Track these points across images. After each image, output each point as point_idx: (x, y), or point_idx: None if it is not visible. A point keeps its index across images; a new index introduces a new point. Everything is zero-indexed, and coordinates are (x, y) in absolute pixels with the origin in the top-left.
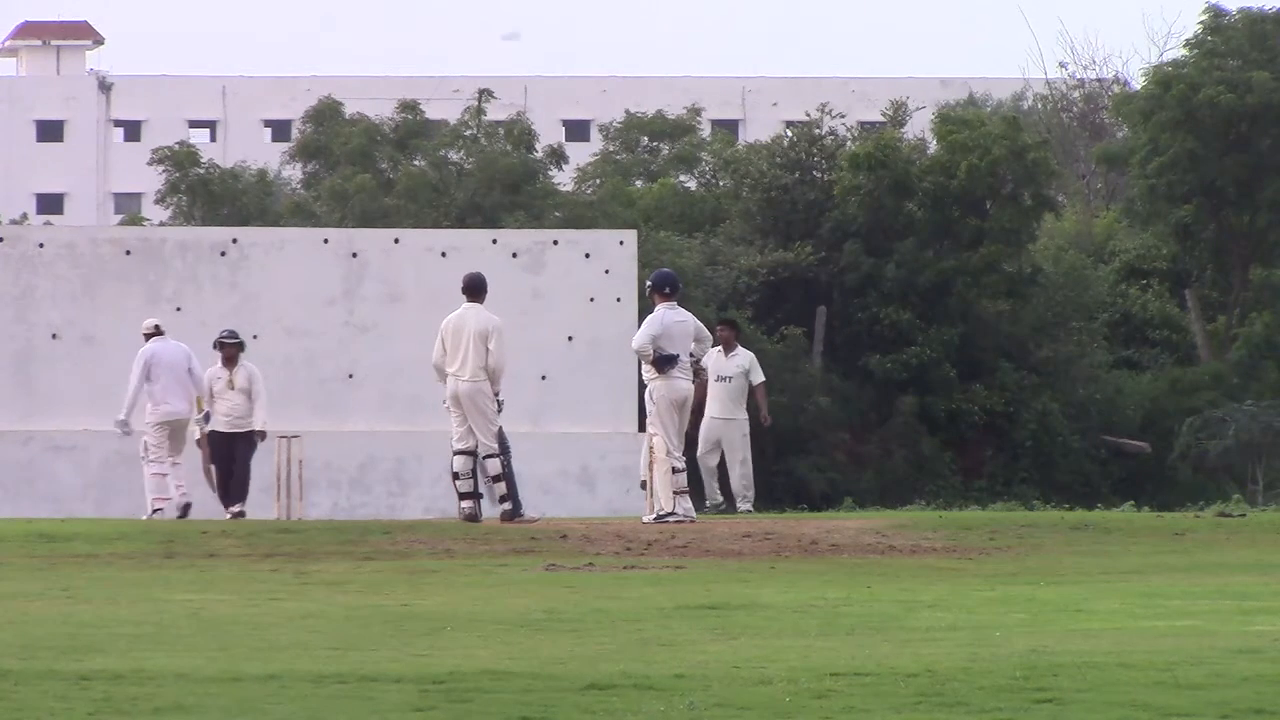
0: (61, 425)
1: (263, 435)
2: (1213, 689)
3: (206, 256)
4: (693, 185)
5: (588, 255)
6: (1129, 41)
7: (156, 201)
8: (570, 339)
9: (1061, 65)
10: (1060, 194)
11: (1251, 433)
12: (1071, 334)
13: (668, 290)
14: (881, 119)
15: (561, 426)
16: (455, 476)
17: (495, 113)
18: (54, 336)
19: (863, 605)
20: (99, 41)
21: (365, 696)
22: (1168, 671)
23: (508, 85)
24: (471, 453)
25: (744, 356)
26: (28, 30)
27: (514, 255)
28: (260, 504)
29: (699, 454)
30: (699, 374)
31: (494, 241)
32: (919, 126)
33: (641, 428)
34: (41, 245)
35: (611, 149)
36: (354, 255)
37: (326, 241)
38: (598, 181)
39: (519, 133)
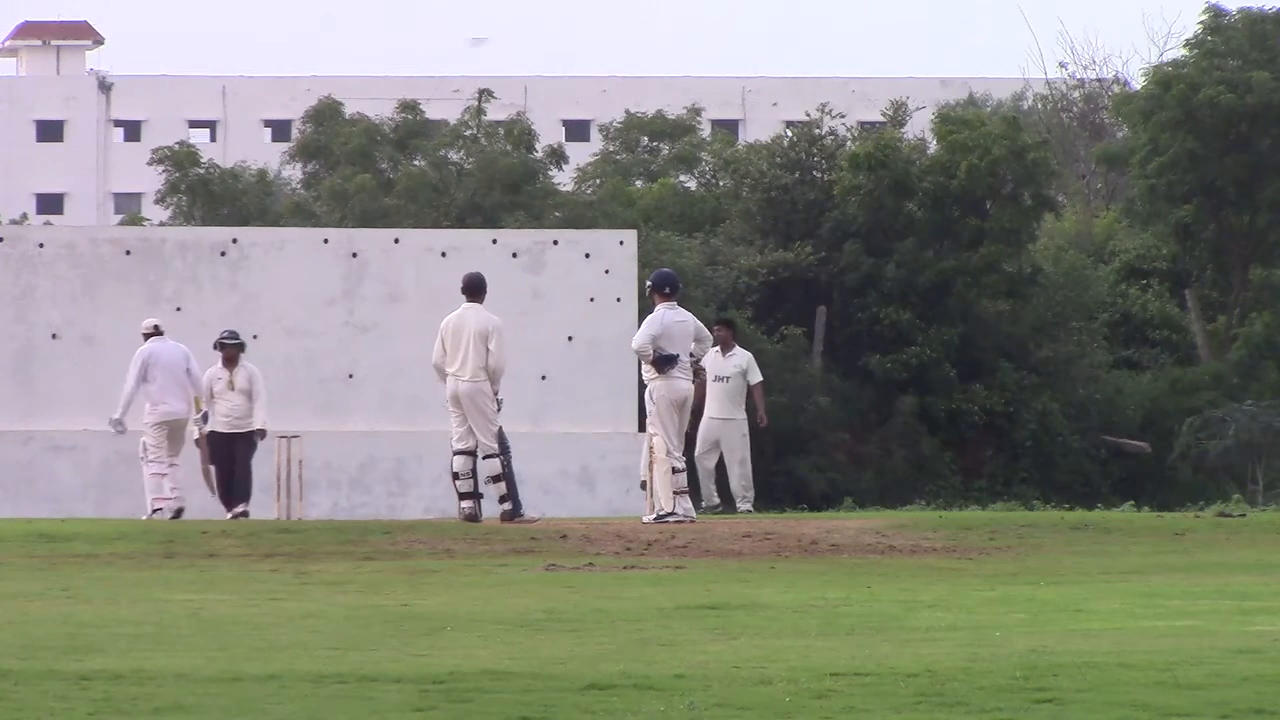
0: (61, 425)
1: (262, 434)
2: (1213, 689)
3: (206, 256)
4: (693, 185)
5: (588, 255)
6: (1129, 41)
7: (156, 201)
8: (570, 339)
9: (1061, 65)
10: (1060, 194)
11: (1251, 433)
12: (1071, 334)
13: (668, 290)
14: (881, 119)
15: (561, 426)
16: (455, 476)
17: (495, 113)
18: (54, 336)
19: (863, 605)
20: (99, 41)
21: (365, 696)
22: (1168, 671)
23: (508, 85)
24: (471, 453)
25: (741, 356)
26: (28, 30)
27: (514, 255)
28: (260, 504)
29: (696, 454)
30: (699, 374)
31: (494, 241)
32: (919, 126)
33: (641, 428)
34: (41, 245)
35: (611, 149)
36: (354, 255)
37: (326, 241)
38: (598, 181)
39: (519, 133)
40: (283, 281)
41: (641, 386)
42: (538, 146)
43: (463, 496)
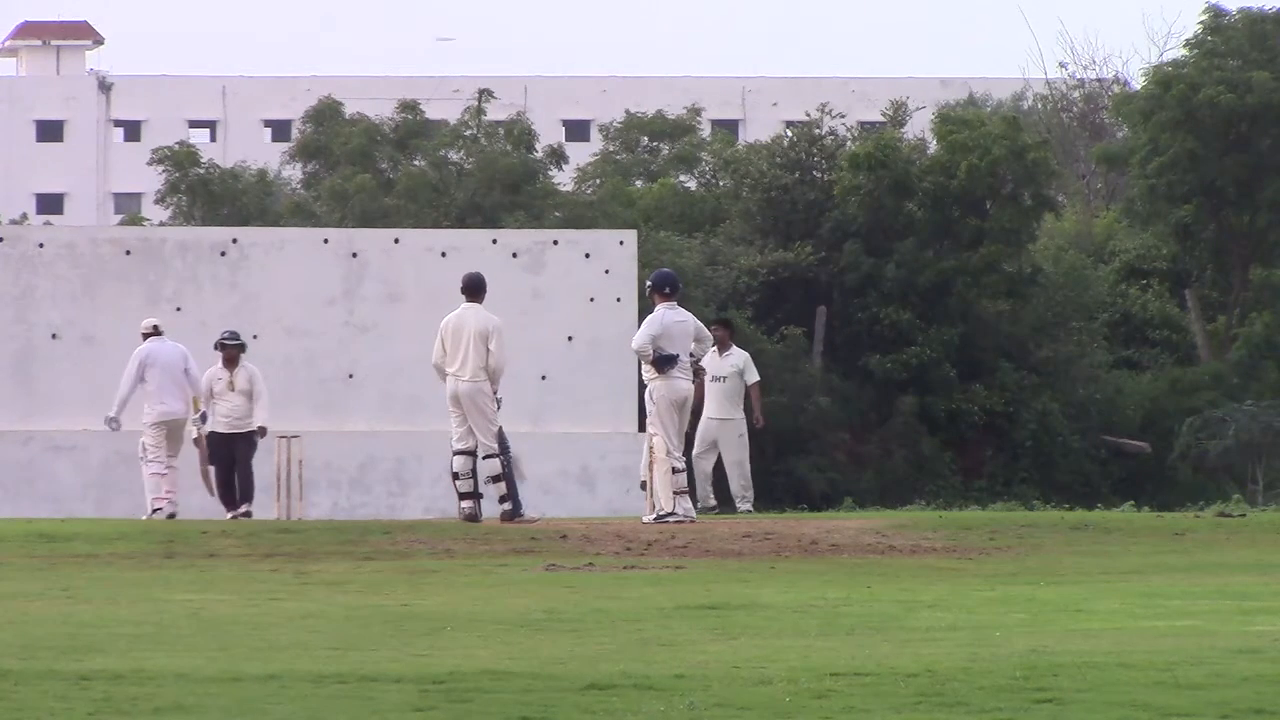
0: (61, 425)
1: (263, 432)
2: (1213, 689)
3: (206, 256)
4: (693, 185)
5: (588, 255)
6: (1129, 41)
7: (156, 201)
8: (570, 339)
9: (1061, 65)
10: (1060, 194)
11: (1251, 433)
12: (1071, 334)
13: (668, 290)
14: (881, 119)
15: (561, 426)
16: (455, 476)
17: (495, 113)
18: (54, 336)
19: (863, 605)
20: (99, 41)
21: (365, 696)
22: (1168, 671)
23: (508, 85)
24: (471, 453)
25: (738, 356)
26: (28, 30)
27: (514, 255)
28: (260, 504)
29: (694, 454)
30: (699, 374)
31: (494, 241)
32: (919, 126)
33: (641, 428)
34: (41, 245)
35: (611, 149)
36: (354, 255)
37: (326, 241)
38: (598, 181)
39: (519, 133)
40: (283, 281)
41: (641, 386)
42: (538, 146)
43: (463, 496)
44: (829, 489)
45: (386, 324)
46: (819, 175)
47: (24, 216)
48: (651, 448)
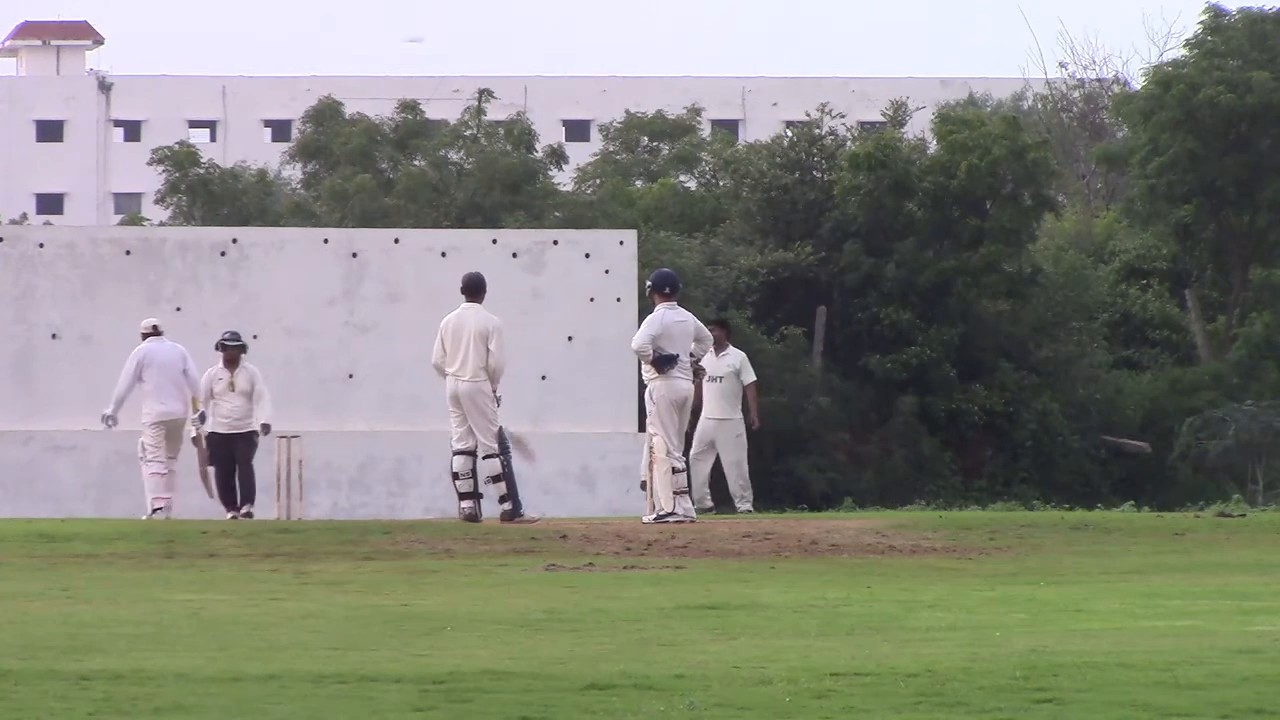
0: (61, 425)
1: (267, 429)
2: (1213, 689)
3: (206, 256)
4: (693, 185)
5: (588, 255)
6: (1129, 41)
7: (156, 201)
8: (570, 339)
9: (1061, 65)
10: (1060, 194)
11: (1251, 433)
12: (1071, 334)
13: (668, 290)
14: (881, 119)
15: (561, 426)
16: (455, 476)
17: (495, 113)
18: (54, 336)
19: (863, 605)
20: (99, 41)
21: (365, 696)
22: (1168, 671)
23: (508, 85)
24: (471, 453)
25: (735, 356)
26: (28, 30)
27: (514, 255)
28: (260, 504)
29: (691, 455)
30: (699, 374)
31: (494, 241)
32: (919, 126)
33: (641, 428)
34: (41, 245)
35: (611, 149)
36: (354, 255)
37: (326, 241)
38: (598, 181)
39: (519, 133)
40: (283, 281)
41: (641, 386)
42: (538, 146)
43: (463, 496)
44: (829, 489)
45: (386, 324)
46: (819, 175)
47: (24, 216)
48: (651, 448)
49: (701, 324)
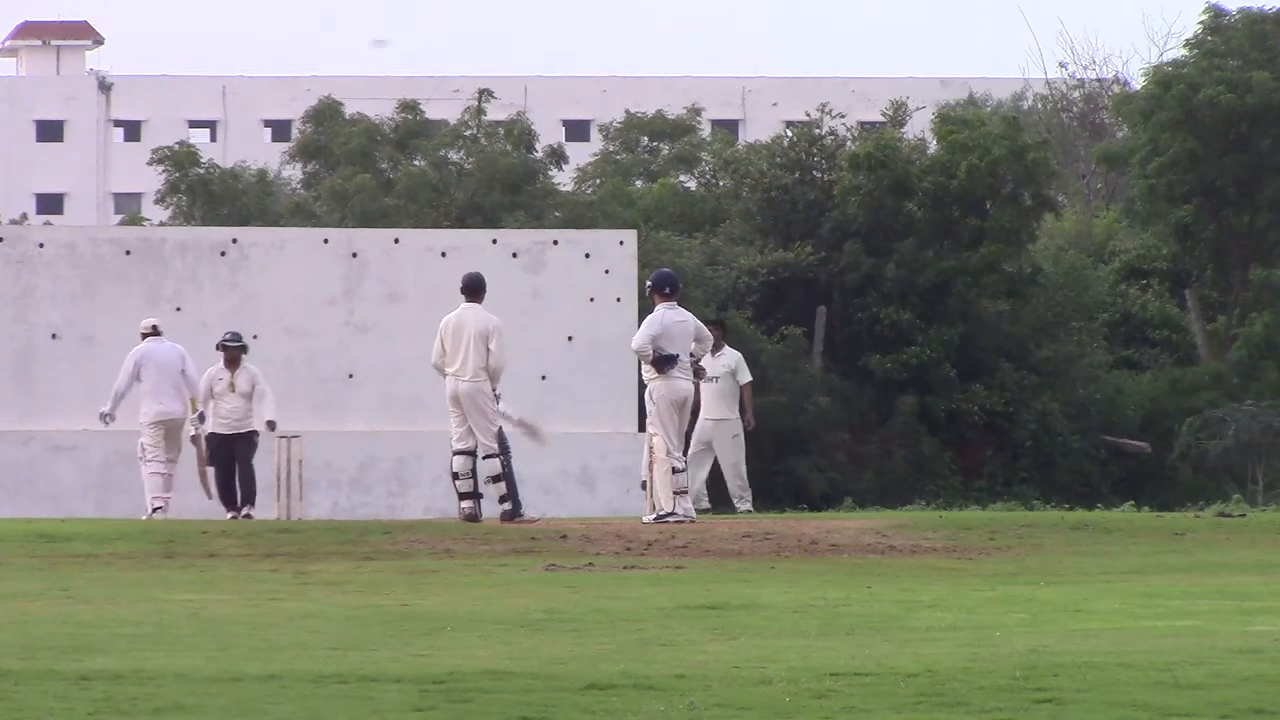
0: (61, 425)
1: (273, 425)
2: (1213, 689)
3: (206, 256)
4: (693, 185)
5: (588, 255)
6: (1129, 41)
7: (156, 201)
8: (570, 339)
9: (1061, 65)
10: (1060, 194)
11: (1251, 433)
12: (1071, 334)
13: (668, 290)
14: (881, 119)
15: (561, 426)
16: (455, 476)
17: (495, 113)
18: (54, 336)
19: (863, 605)
20: (99, 41)
21: (365, 696)
22: (1168, 671)
23: (508, 85)
24: (471, 453)
25: (730, 356)
26: (28, 30)
27: (514, 255)
28: (260, 504)
29: (689, 455)
30: (699, 374)
31: (494, 241)
32: (919, 126)
33: (641, 428)
34: (41, 245)
35: (611, 149)
36: (354, 255)
37: (326, 241)
38: (598, 181)
39: (519, 133)
40: (283, 281)
41: (641, 386)
42: (538, 146)
43: (463, 496)
44: (829, 489)
45: (386, 324)
46: (819, 175)
47: (24, 216)
48: (651, 448)
49: (702, 324)
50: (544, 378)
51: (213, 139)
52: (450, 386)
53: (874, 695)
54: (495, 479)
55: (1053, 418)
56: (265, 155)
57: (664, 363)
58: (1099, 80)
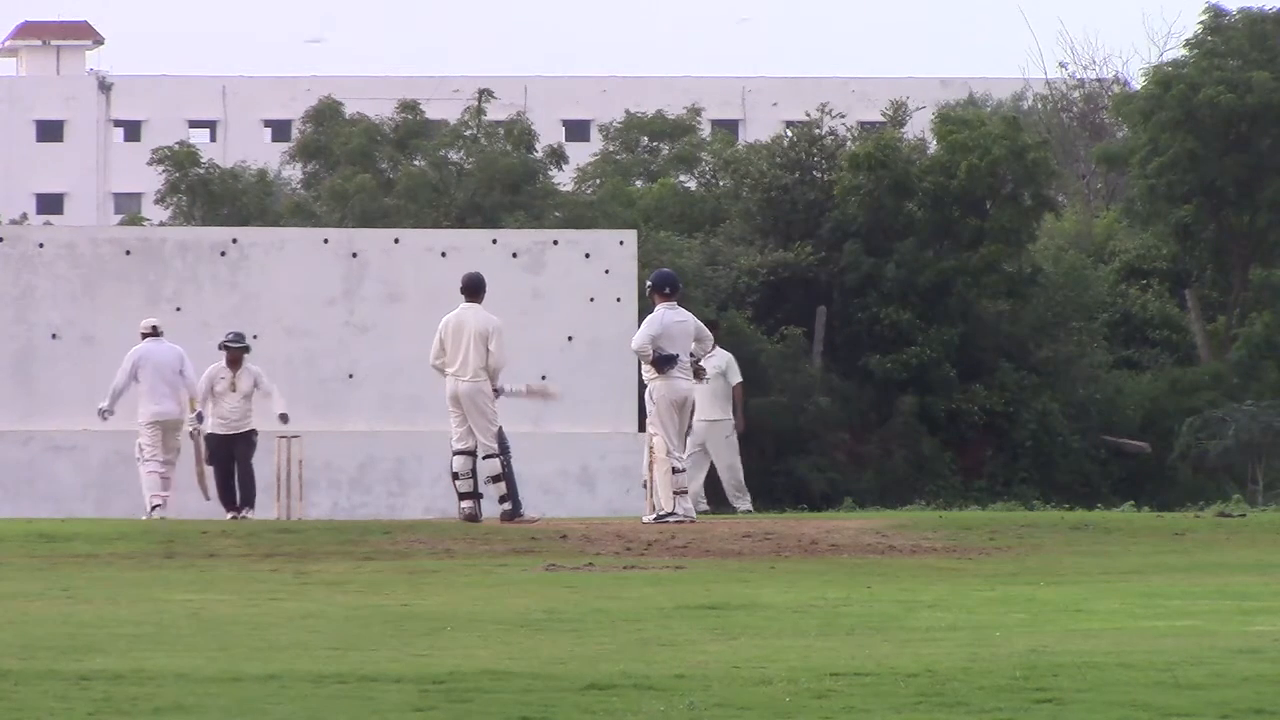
0: (61, 425)
1: (286, 418)
2: (1213, 689)
3: (206, 256)
4: (693, 185)
5: (588, 255)
6: (1129, 41)
7: (156, 201)
8: (570, 339)
9: (1061, 65)
10: (1060, 194)
11: (1251, 433)
12: (1071, 334)
13: (668, 290)
14: (881, 119)
15: (561, 426)
16: (455, 476)
17: (495, 113)
18: (54, 336)
19: (863, 605)
20: (99, 41)
21: (365, 696)
22: (1168, 671)
23: (508, 85)
24: (471, 453)
25: (721, 357)
26: (28, 30)
27: (514, 255)
28: (260, 504)
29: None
30: (699, 374)
31: (494, 241)
32: (919, 126)
33: (641, 428)
34: (41, 245)
35: (611, 149)
36: (354, 255)
37: (326, 241)
38: (598, 181)
39: (519, 133)
40: (283, 281)
41: (641, 386)
42: (538, 146)
43: (463, 496)
44: (829, 489)
45: (386, 324)
46: (819, 175)
47: (24, 216)
48: (651, 448)
49: (702, 324)
50: (544, 378)
51: (213, 139)
52: (450, 386)
53: (874, 695)
54: (495, 479)
55: (1053, 418)
56: (265, 155)
57: (664, 363)
58: (1099, 80)
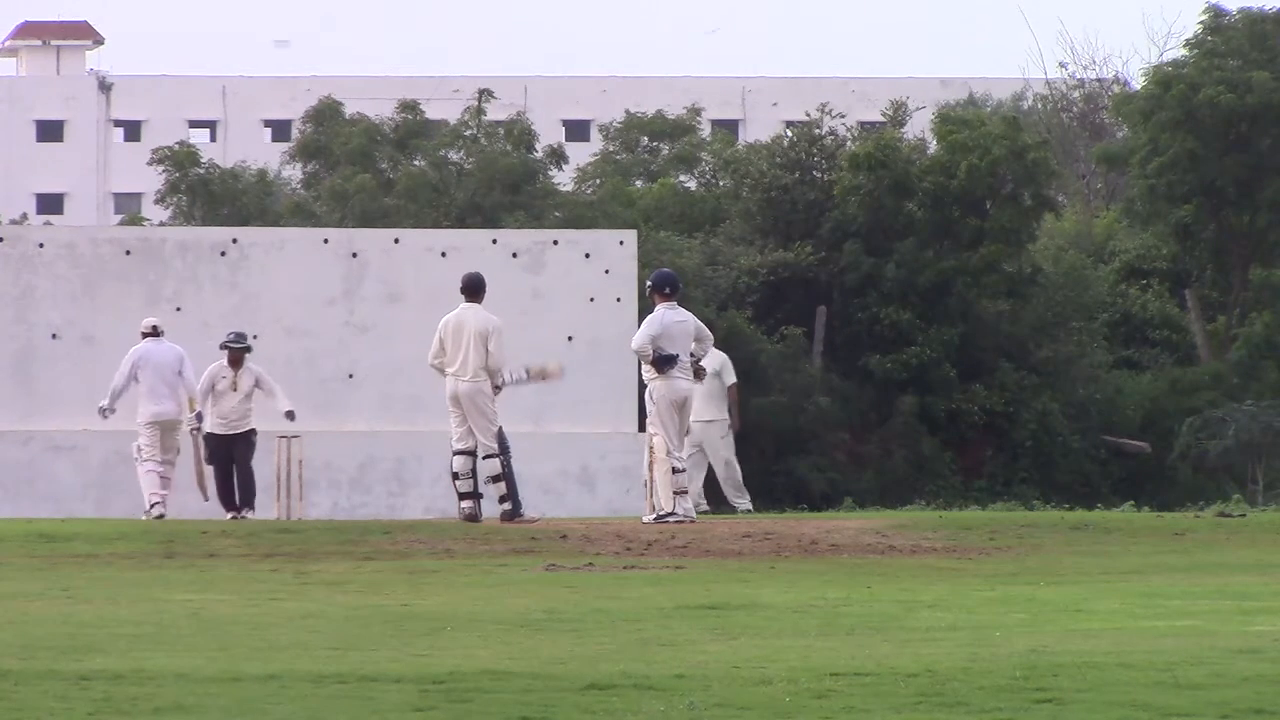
0: (61, 425)
1: (292, 415)
2: (1213, 689)
3: (206, 256)
4: (693, 185)
5: (588, 255)
6: (1129, 41)
7: (156, 201)
8: (570, 339)
9: (1061, 65)
10: (1060, 194)
11: (1251, 433)
12: (1071, 334)
13: (668, 290)
14: (881, 119)
15: (561, 426)
16: (455, 476)
17: (495, 113)
18: (54, 336)
19: (863, 605)
20: (99, 41)
21: (365, 696)
22: (1168, 671)
23: (508, 85)
24: (471, 453)
25: (715, 358)
26: (28, 30)
27: (514, 255)
28: (260, 504)
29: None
30: (699, 374)
31: (494, 241)
32: (919, 126)
33: (642, 428)
34: (41, 245)
35: (611, 149)
36: (354, 255)
37: (326, 241)
38: (598, 181)
39: (519, 133)
40: (283, 281)
41: (641, 386)
42: (538, 146)
43: (463, 496)
44: (829, 489)
45: (386, 324)
46: (819, 175)
47: (24, 216)
48: (651, 448)
49: (702, 324)
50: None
51: (213, 139)
52: (450, 386)
53: (874, 695)
54: (495, 479)
55: (1053, 418)
56: (265, 155)
57: (664, 363)
58: (1099, 80)
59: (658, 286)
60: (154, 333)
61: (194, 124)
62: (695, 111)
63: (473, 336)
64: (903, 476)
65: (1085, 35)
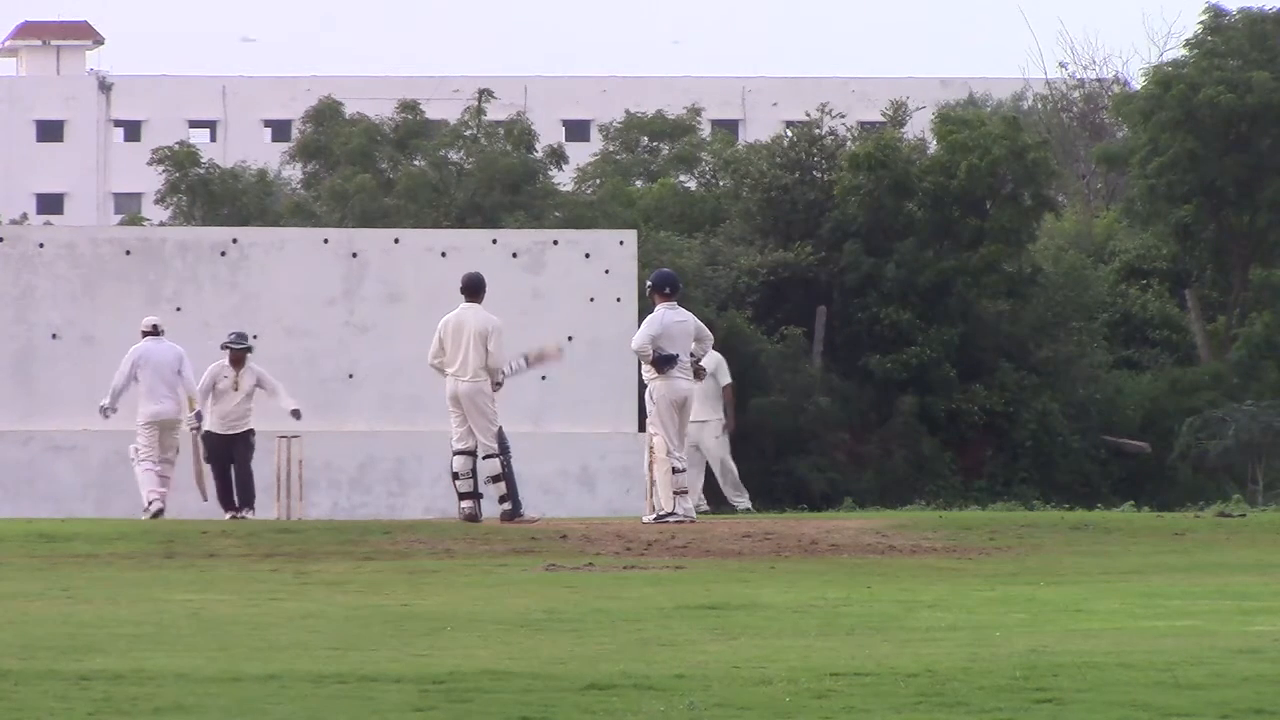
0: (61, 425)
1: (298, 413)
2: (1213, 689)
3: (206, 256)
4: (693, 185)
5: (588, 255)
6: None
7: (156, 201)
8: (570, 339)
9: (1061, 65)
10: (1060, 194)
11: (1251, 433)
12: (1071, 334)
13: (668, 290)
14: (881, 119)
15: (561, 426)
16: (455, 476)
17: (495, 113)
18: (54, 336)
19: (863, 605)
20: (99, 41)
21: (365, 696)
22: (1168, 671)
23: (508, 85)
24: (471, 453)
25: (711, 358)
26: (28, 30)
27: (514, 255)
28: (260, 504)
29: None
30: (699, 374)
31: (494, 241)
32: (919, 126)
33: (642, 428)
34: (41, 245)
35: (611, 149)
36: (354, 255)
37: (326, 241)
38: (598, 181)
39: (519, 133)
40: (283, 281)
41: (641, 386)
42: (538, 146)
43: (463, 496)
44: (829, 489)
45: (386, 324)
46: (819, 175)
47: (24, 216)
48: (652, 448)
49: (702, 324)
50: (544, 378)
51: (213, 139)
52: (450, 386)
53: (874, 695)
54: (495, 479)
55: (1053, 418)
56: (265, 155)
57: (664, 363)
58: (1099, 80)
59: (658, 286)
60: (154, 331)
61: (194, 124)
62: (695, 111)
63: (473, 336)
64: (903, 476)
65: (1085, 35)
